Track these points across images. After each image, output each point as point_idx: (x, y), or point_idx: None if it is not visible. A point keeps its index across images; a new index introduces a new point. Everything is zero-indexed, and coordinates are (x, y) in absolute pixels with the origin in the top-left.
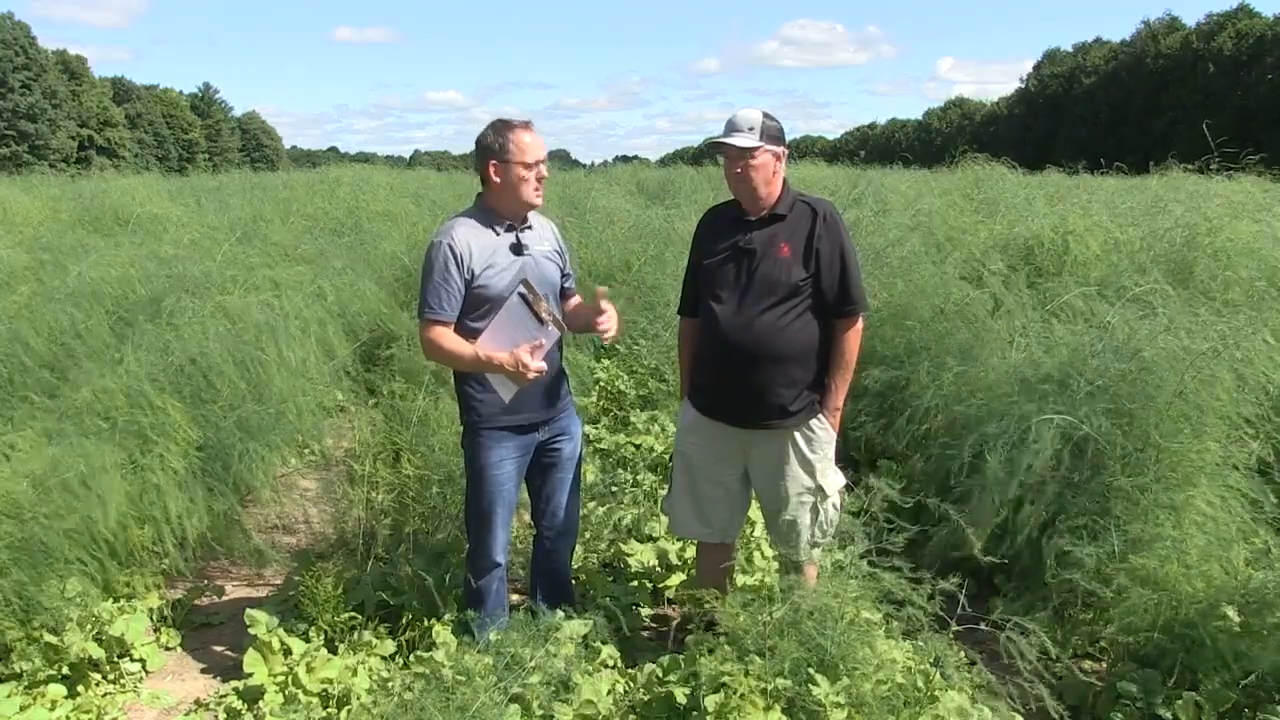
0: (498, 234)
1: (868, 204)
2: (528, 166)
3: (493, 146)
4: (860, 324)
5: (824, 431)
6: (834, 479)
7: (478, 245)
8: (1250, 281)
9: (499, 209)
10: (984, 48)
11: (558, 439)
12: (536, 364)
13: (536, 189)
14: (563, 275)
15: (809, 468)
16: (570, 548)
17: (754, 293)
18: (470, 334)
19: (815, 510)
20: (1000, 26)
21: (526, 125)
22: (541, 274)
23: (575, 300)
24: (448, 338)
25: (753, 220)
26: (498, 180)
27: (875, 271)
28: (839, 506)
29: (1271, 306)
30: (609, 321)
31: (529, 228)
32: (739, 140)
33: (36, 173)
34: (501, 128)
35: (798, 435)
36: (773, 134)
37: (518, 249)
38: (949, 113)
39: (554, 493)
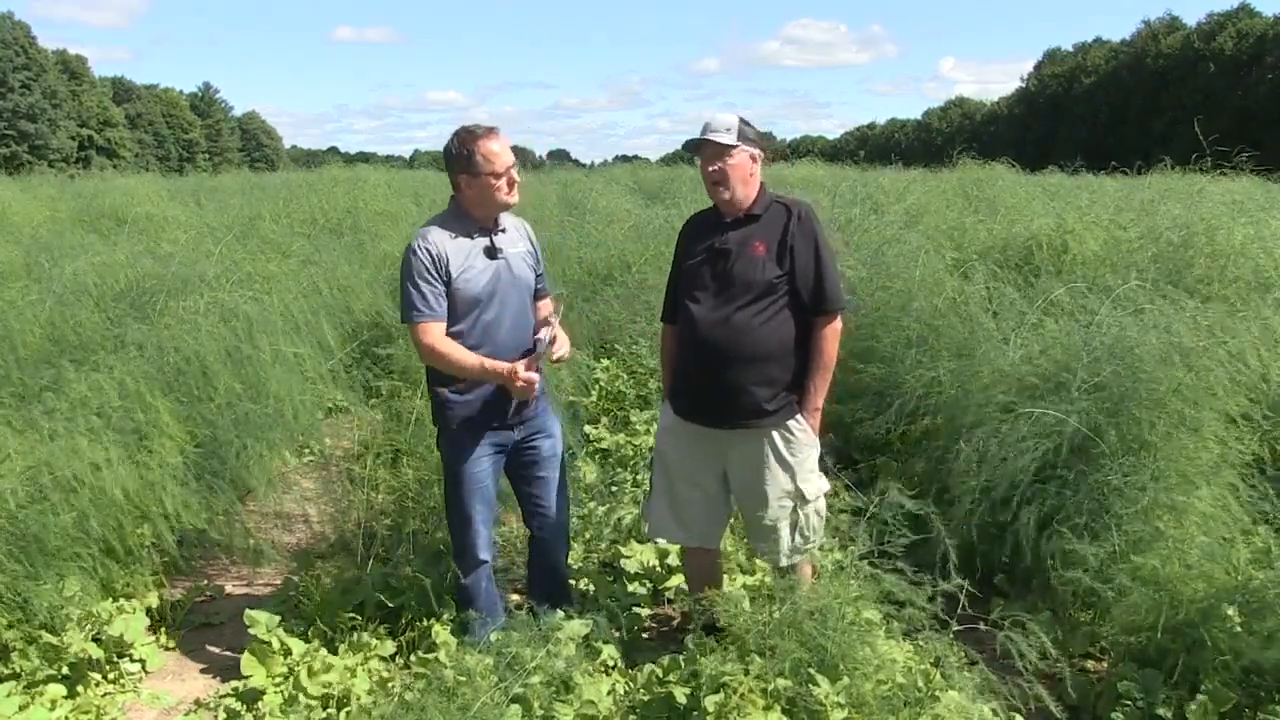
0: (472, 238)
1: (858, 203)
2: (497, 175)
3: (460, 158)
4: (839, 323)
5: (804, 434)
6: (816, 484)
7: (453, 248)
8: (1241, 279)
9: (472, 214)
10: (985, 47)
11: (535, 437)
12: (527, 374)
13: (509, 191)
14: (536, 276)
15: (789, 470)
16: (564, 546)
17: (729, 291)
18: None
19: (795, 515)
20: (1001, 26)
21: (491, 132)
22: (515, 276)
23: (546, 301)
24: (446, 341)
25: (729, 222)
26: (469, 192)
27: (872, 270)
28: (822, 513)
29: (1261, 301)
30: (559, 345)
31: (502, 230)
32: (717, 137)
33: (36, 173)
34: (466, 139)
35: (776, 436)
36: (749, 137)
37: (492, 253)
38: (949, 112)
39: (540, 492)
